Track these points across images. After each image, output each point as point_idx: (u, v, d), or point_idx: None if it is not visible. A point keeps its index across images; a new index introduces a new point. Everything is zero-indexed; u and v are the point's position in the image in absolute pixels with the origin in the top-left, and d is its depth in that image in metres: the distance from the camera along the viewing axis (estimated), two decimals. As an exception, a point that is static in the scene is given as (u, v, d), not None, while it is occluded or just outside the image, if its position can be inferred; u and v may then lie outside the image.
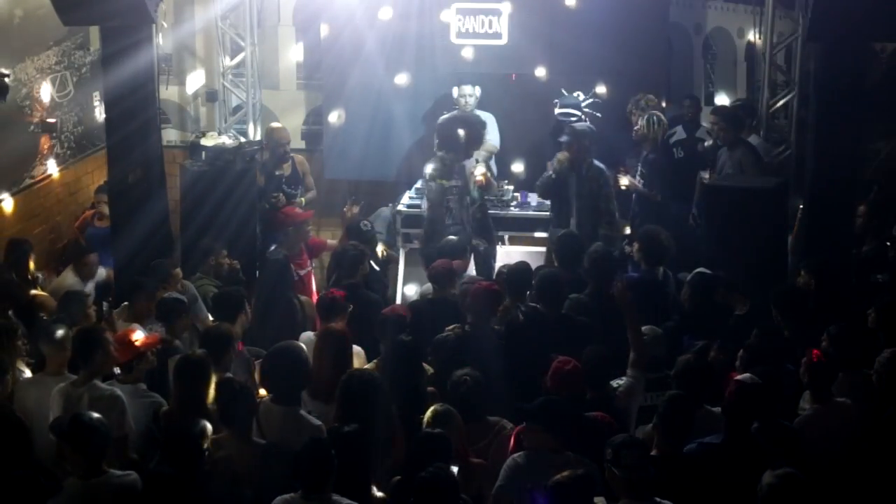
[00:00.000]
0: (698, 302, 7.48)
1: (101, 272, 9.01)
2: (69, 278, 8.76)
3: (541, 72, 10.34)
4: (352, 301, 7.21)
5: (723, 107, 10.33)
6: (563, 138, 9.33)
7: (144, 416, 6.16)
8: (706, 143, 10.17)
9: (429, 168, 9.09)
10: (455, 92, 10.35)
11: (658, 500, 4.98)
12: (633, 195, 9.91)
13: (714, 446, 5.52)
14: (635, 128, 9.96)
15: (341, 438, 5.24)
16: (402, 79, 10.55)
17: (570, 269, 7.88)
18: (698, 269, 7.74)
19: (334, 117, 10.99)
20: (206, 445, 5.38)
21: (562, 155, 9.19)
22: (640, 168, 9.81)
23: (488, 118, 10.14)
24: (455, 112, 9.98)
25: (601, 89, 10.30)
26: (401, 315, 7.11)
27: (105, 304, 7.45)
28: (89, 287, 8.73)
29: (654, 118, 9.71)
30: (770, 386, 5.70)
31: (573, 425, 5.46)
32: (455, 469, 5.17)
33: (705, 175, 9.54)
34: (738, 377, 5.75)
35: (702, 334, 6.99)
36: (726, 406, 5.66)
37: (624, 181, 9.77)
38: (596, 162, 9.21)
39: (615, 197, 9.36)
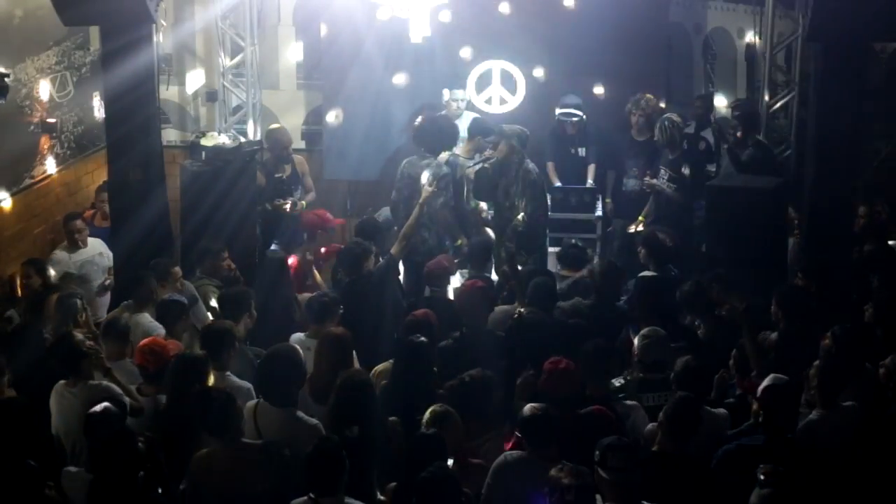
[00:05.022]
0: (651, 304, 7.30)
1: (91, 242, 9.11)
2: (59, 256, 8.96)
3: (539, 72, 10.34)
4: (353, 299, 7.19)
5: (741, 105, 10.25)
6: (490, 137, 9.31)
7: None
8: (702, 145, 10.16)
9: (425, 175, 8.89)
10: (446, 95, 10.26)
11: (645, 503, 4.95)
12: (650, 197, 9.83)
13: (755, 448, 5.49)
14: (634, 130, 9.99)
15: (345, 443, 5.22)
16: (400, 79, 10.55)
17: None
18: (640, 274, 7.77)
19: (333, 117, 10.98)
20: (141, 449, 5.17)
21: (489, 153, 9.26)
22: (662, 171, 9.67)
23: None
24: (428, 113, 9.84)
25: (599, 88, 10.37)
26: (417, 316, 6.94)
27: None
28: (80, 257, 8.95)
29: (666, 122, 9.57)
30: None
31: (555, 437, 5.38)
32: (451, 462, 5.20)
33: (711, 168, 9.50)
34: (770, 379, 5.69)
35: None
36: (764, 407, 5.62)
37: (652, 181, 9.66)
38: (528, 163, 9.13)
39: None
